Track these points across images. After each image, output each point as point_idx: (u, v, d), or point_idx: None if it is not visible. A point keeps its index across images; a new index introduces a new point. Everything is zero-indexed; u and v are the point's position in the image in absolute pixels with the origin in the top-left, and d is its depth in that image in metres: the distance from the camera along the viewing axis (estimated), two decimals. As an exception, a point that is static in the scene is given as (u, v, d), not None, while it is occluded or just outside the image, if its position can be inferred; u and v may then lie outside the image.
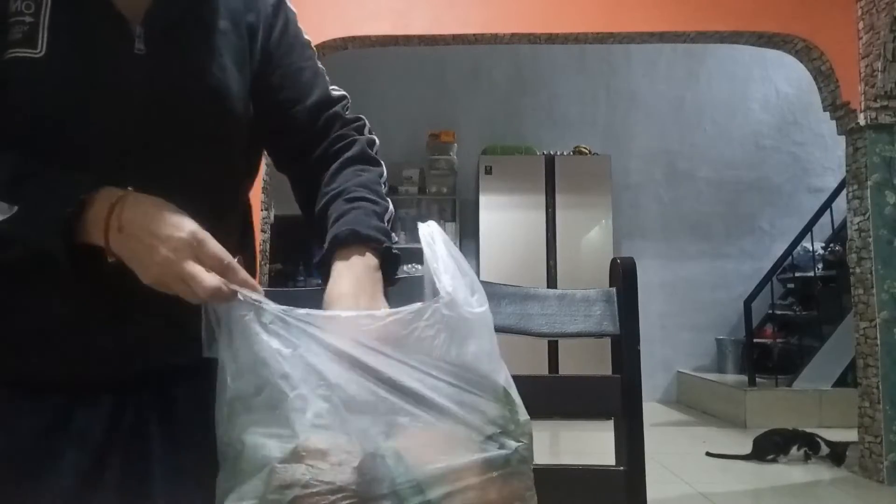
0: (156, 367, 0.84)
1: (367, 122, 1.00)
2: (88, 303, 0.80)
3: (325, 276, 0.80)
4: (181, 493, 0.81)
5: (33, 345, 0.81)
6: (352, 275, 0.78)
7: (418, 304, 0.67)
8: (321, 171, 0.93)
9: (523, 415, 0.67)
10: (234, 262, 0.72)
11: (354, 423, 0.61)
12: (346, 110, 0.98)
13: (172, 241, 0.71)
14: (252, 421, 0.63)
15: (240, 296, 0.68)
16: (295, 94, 0.94)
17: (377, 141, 0.99)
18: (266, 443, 0.61)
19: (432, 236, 0.71)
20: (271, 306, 0.67)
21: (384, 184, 0.94)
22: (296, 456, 0.59)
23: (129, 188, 0.75)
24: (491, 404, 0.65)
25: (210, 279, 0.69)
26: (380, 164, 0.96)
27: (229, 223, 0.93)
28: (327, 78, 0.99)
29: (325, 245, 0.82)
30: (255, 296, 0.69)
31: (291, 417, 0.61)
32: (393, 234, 0.86)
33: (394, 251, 0.83)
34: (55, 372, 0.81)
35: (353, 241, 0.80)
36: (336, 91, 0.99)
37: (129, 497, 0.80)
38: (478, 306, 0.68)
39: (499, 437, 0.64)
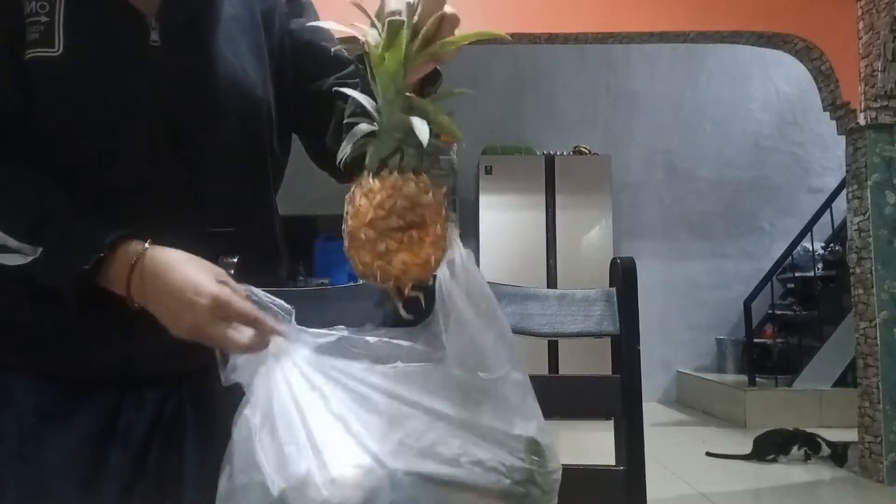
0: (196, 364, 0.85)
1: None
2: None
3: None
4: (206, 487, 0.82)
5: (85, 343, 0.83)
6: None
7: (429, 365, 0.64)
8: (325, 105, 0.90)
9: (554, 463, 0.65)
10: (261, 315, 0.70)
11: (367, 454, 0.60)
12: None
13: (196, 308, 0.70)
14: (264, 447, 0.63)
15: (271, 348, 0.67)
16: (319, 71, 0.94)
17: None
18: (275, 470, 0.61)
19: (445, 285, 0.65)
20: (297, 354, 0.66)
21: None
22: (304, 484, 0.59)
23: (148, 241, 0.75)
24: (517, 453, 0.63)
25: (241, 339, 0.68)
26: None
27: (259, 223, 0.93)
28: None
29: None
30: (283, 344, 0.68)
31: (302, 447, 0.61)
32: None
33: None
34: (106, 370, 0.83)
35: None
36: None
37: (162, 493, 0.83)
38: (498, 369, 0.64)
39: (524, 484, 0.62)
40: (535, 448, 0.64)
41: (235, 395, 0.69)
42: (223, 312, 0.70)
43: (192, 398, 0.87)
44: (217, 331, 0.69)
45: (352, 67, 0.92)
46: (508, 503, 0.61)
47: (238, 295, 0.71)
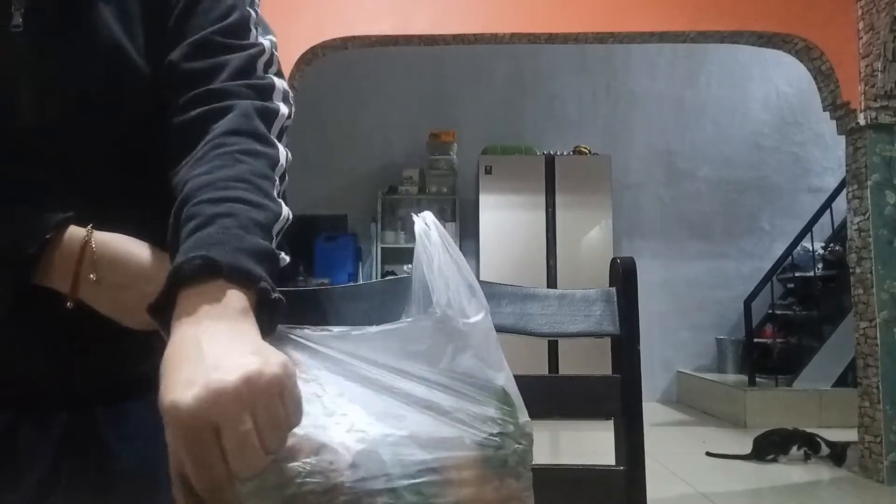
0: (108, 383, 0.76)
1: (283, 88, 0.75)
2: (37, 322, 0.72)
3: (165, 327, 0.53)
4: (139, 490, 0.75)
5: None
6: (196, 333, 0.50)
7: (408, 321, 0.65)
8: (177, 138, 0.70)
9: (523, 416, 0.67)
10: None
11: (348, 419, 0.61)
12: (263, 66, 0.75)
13: None
14: None
15: None
16: (180, 32, 0.74)
17: (284, 112, 0.73)
18: None
19: (427, 233, 0.69)
20: None
21: (280, 177, 0.69)
22: (291, 453, 0.59)
23: (90, 226, 0.67)
24: (489, 405, 0.65)
25: None
26: (275, 146, 0.69)
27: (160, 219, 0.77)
28: (254, 27, 0.77)
29: (166, 278, 0.55)
30: None
31: None
32: (282, 255, 0.63)
33: (273, 294, 0.56)
34: (2, 389, 0.74)
35: (208, 276, 0.53)
36: (260, 39, 0.77)
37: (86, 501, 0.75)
38: (474, 315, 0.67)
39: (497, 436, 0.64)
40: (505, 399, 0.66)
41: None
42: None
43: (108, 420, 0.77)
44: None
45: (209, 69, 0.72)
46: (485, 454, 0.62)
47: None
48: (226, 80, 0.70)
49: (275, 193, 0.66)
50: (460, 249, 0.71)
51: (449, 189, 6.29)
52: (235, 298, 0.53)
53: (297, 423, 0.49)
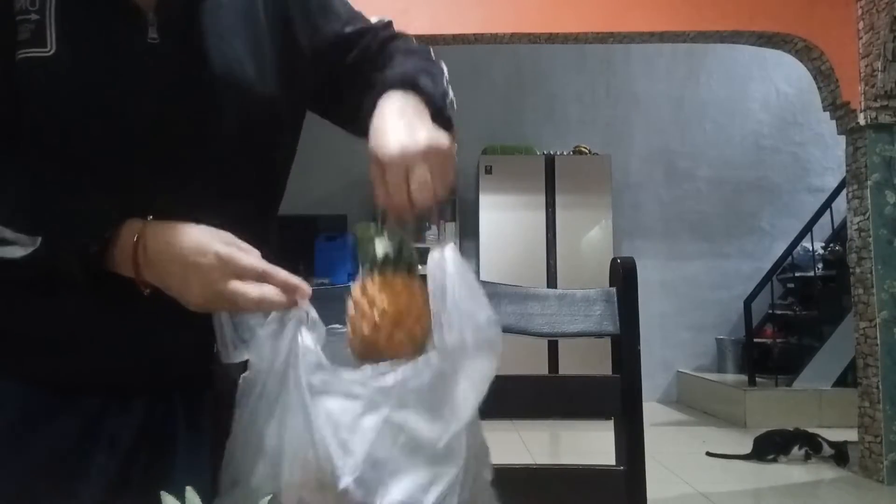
0: (188, 373, 0.84)
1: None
2: (123, 310, 0.79)
3: (365, 128, 0.76)
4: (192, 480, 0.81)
5: (68, 348, 0.81)
6: (394, 106, 0.75)
7: (411, 364, 0.63)
8: (361, 70, 0.88)
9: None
10: (269, 266, 0.71)
11: (347, 461, 0.61)
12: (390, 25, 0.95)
13: (201, 268, 0.70)
14: (256, 445, 0.64)
15: (300, 304, 0.68)
16: (330, 36, 0.91)
17: (430, 49, 0.93)
18: (265, 470, 0.61)
19: (441, 265, 0.64)
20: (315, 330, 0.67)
21: (443, 72, 0.88)
22: (290, 488, 0.60)
23: (150, 217, 0.74)
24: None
25: (253, 290, 0.69)
26: (440, 64, 0.90)
27: (264, 229, 0.88)
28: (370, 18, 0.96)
29: (384, 89, 0.78)
30: (306, 305, 0.69)
31: (291, 448, 0.62)
32: (449, 96, 0.84)
33: (443, 110, 0.80)
34: (89, 376, 0.81)
35: (400, 86, 0.77)
36: (379, 19, 0.95)
37: (149, 499, 0.81)
38: (472, 362, 0.63)
39: None
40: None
41: (233, 406, 0.68)
42: (230, 268, 0.69)
43: (183, 407, 0.86)
44: (227, 288, 0.69)
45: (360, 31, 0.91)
46: None
47: (245, 252, 0.71)
48: (379, 34, 0.91)
49: (444, 82, 0.86)
50: (460, 249, 0.69)
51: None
52: (415, 101, 0.76)
53: (452, 182, 0.72)
